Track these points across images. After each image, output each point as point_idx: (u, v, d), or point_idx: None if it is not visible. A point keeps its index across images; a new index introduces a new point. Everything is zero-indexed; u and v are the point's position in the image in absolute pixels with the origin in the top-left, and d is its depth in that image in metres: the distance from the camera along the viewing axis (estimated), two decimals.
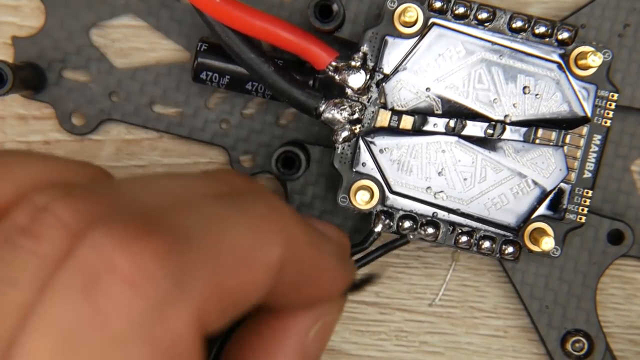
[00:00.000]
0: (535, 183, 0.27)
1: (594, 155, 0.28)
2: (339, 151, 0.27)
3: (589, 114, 0.27)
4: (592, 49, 0.27)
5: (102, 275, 0.16)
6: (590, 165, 0.28)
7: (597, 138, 0.28)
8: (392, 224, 0.28)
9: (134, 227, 0.17)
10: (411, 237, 0.28)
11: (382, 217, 0.28)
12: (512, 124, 0.27)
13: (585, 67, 0.27)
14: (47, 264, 0.17)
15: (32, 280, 0.17)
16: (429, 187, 0.27)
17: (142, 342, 0.16)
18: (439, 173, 0.27)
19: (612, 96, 0.27)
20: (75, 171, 0.20)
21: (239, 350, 0.22)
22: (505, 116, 0.27)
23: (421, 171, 0.27)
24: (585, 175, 0.28)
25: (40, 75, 0.29)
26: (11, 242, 0.17)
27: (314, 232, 0.22)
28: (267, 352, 0.22)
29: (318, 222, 0.25)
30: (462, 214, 0.28)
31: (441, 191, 0.28)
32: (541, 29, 0.27)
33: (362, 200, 0.27)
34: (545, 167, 0.27)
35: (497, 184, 0.27)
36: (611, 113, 0.27)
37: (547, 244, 0.27)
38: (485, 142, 0.27)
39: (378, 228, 0.28)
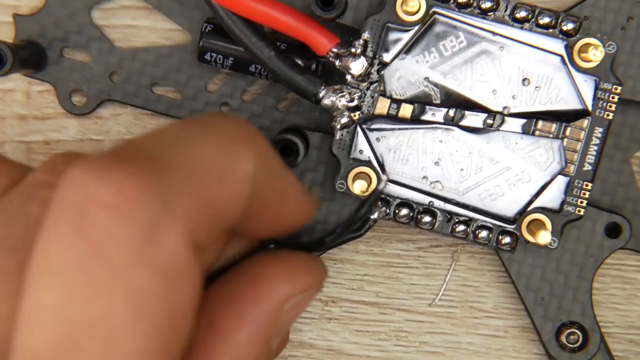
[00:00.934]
0: (531, 175, 0.27)
1: (595, 148, 0.27)
2: (337, 137, 0.27)
3: (589, 107, 0.27)
4: (596, 41, 0.27)
5: (88, 209, 0.16)
6: (590, 158, 0.27)
7: (598, 131, 0.27)
8: (388, 211, 0.28)
9: (109, 158, 0.17)
10: (375, 216, 0.27)
11: (379, 204, 0.28)
12: (511, 115, 0.27)
13: (588, 60, 0.27)
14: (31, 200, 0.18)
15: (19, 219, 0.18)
16: (425, 177, 0.27)
17: (140, 266, 0.16)
18: (436, 163, 0.27)
19: (616, 89, 0.27)
20: None
21: (212, 306, 0.22)
22: (504, 108, 0.27)
23: (417, 160, 0.27)
24: (585, 168, 0.27)
25: (40, 54, 0.29)
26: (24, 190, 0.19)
27: (278, 156, 0.22)
28: (239, 314, 0.21)
29: None
30: (458, 204, 0.28)
31: (437, 181, 0.27)
32: (545, 20, 0.27)
33: (359, 189, 0.27)
34: (543, 159, 0.27)
35: (493, 176, 0.27)
36: (614, 106, 0.27)
37: (544, 237, 0.27)
38: (483, 133, 0.27)
39: (374, 215, 0.28)
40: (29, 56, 0.28)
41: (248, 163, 0.19)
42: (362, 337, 0.31)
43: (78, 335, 0.16)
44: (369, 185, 0.27)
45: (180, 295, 0.17)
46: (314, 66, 0.28)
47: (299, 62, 0.28)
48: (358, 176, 0.27)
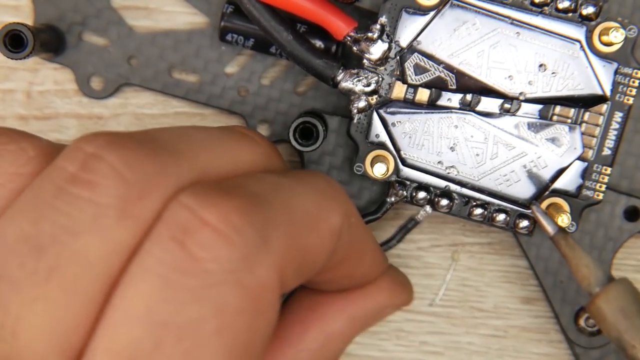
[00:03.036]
0: (548, 161, 0.27)
1: (615, 132, 0.27)
2: (355, 121, 0.27)
3: (608, 93, 0.27)
4: (617, 24, 0.26)
5: (195, 229, 0.18)
6: (610, 143, 0.27)
7: (618, 116, 0.27)
8: (405, 194, 0.28)
9: (218, 190, 0.19)
10: (420, 218, 0.28)
11: (397, 186, 0.28)
12: (527, 101, 0.27)
13: (609, 44, 0.26)
14: (106, 212, 0.18)
15: (92, 228, 0.18)
16: (440, 162, 0.27)
17: (233, 286, 0.18)
18: (451, 148, 0.27)
19: (636, 73, 0.27)
20: None
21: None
22: (520, 93, 0.27)
23: (433, 145, 0.27)
24: (604, 153, 0.27)
25: (59, 38, 0.29)
26: (66, 191, 0.18)
27: (362, 219, 0.24)
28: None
29: None
30: (474, 188, 0.27)
31: (452, 166, 0.27)
32: (565, 4, 0.26)
33: (379, 173, 0.27)
34: (560, 145, 0.27)
35: (509, 161, 0.27)
36: (634, 91, 0.27)
37: (564, 220, 0.27)
38: (499, 119, 0.27)
39: (392, 198, 0.28)
40: (48, 40, 0.29)
41: (337, 217, 0.21)
42: (362, 337, 0.30)
43: (162, 337, 0.17)
44: (388, 169, 0.27)
45: (262, 320, 0.19)
46: (334, 48, 0.28)
47: (320, 43, 0.28)
48: (376, 159, 0.27)
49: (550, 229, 0.26)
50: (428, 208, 0.28)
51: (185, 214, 0.18)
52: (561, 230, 0.26)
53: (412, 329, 0.31)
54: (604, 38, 0.26)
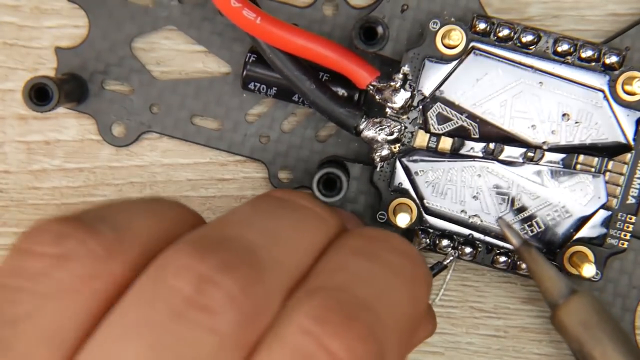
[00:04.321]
0: (571, 210, 0.27)
1: (639, 181, 0.27)
2: (378, 169, 0.27)
3: (631, 142, 0.27)
4: None
5: (320, 358, 0.18)
6: (634, 192, 0.27)
7: None
8: (428, 242, 0.28)
9: (336, 314, 0.19)
10: (448, 261, 0.28)
11: (420, 234, 0.28)
12: (550, 150, 0.27)
13: (632, 93, 0.26)
14: (226, 343, 0.18)
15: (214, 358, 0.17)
16: (463, 210, 0.27)
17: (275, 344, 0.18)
18: (474, 197, 0.27)
19: None
20: (184, 220, 0.21)
21: None
22: (544, 142, 0.27)
23: (456, 194, 0.27)
24: (628, 201, 0.27)
25: (82, 87, 0.29)
26: (184, 316, 0.17)
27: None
28: None
29: None
30: (498, 237, 0.27)
31: (476, 215, 0.27)
32: (588, 53, 0.26)
33: (403, 222, 0.27)
34: (583, 194, 0.27)
35: (533, 210, 0.27)
36: None
37: (589, 270, 0.27)
38: (522, 167, 0.27)
39: (415, 246, 0.28)
40: (72, 90, 0.29)
41: (424, 305, 0.22)
42: None
43: None
44: (411, 218, 0.27)
45: None
46: (356, 96, 0.28)
47: (342, 92, 0.28)
48: (399, 208, 0.27)
49: (515, 241, 0.26)
50: (453, 252, 0.28)
51: (309, 343, 0.18)
52: (525, 243, 0.26)
53: None
54: (627, 87, 0.26)
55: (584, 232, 0.27)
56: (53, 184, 0.31)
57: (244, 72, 0.28)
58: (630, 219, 0.27)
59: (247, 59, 0.28)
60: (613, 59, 0.26)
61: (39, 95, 0.27)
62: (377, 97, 0.27)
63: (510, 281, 0.30)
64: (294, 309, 0.19)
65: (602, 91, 0.27)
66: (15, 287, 0.18)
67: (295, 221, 0.21)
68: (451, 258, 0.28)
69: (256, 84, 0.28)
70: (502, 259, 0.28)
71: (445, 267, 0.28)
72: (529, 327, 0.30)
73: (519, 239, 0.26)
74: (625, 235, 0.27)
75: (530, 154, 0.27)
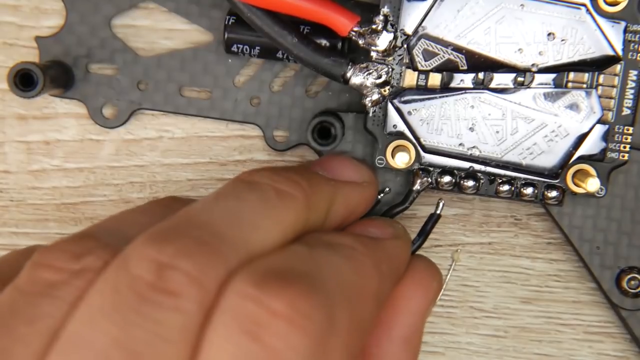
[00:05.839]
0: (568, 129, 0.27)
1: (632, 91, 0.27)
2: (371, 114, 0.27)
3: (620, 53, 0.27)
4: None
5: (266, 320, 0.18)
6: (628, 102, 0.27)
7: (633, 74, 0.27)
8: (430, 180, 0.28)
9: (274, 277, 0.19)
10: (440, 209, 0.28)
11: (421, 174, 0.28)
12: (540, 71, 0.27)
13: (614, 3, 0.26)
14: (192, 319, 0.18)
15: (183, 337, 0.18)
16: (461, 144, 0.27)
17: None
18: (470, 129, 0.27)
19: None
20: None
21: None
22: (532, 65, 0.27)
23: (452, 128, 0.27)
24: (624, 113, 0.27)
25: (67, 73, 0.29)
26: (150, 299, 0.18)
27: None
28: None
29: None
30: (498, 165, 0.27)
31: (474, 146, 0.27)
32: None
33: (402, 162, 0.27)
34: (578, 111, 0.27)
35: (530, 134, 0.27)
36: None
37: (593, 184, 0.27)
38: (514, 93, 0.27)
39: (417, 186, 0.28)
40: (57, 75, 0.29)
41: (374, 281, 0.23)
42: None
43: None
44: (410, 158, 0.27)
45: None
46: (340, 45, 0.28)
47: (325, 42, 0.28)
48: (397, 150, 0.27)
49: None
50: (442, 202, 0.28)
51: (250, 305, 0.18)
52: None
53: None
54: None
55: (584, 150, 0.27)
56: (53, 184, 0.31)
57: (225, 35, 0.28)
58: (628, 130, 0.27)
59: (226, 22, 0.28)
60: None
61: (23, 81, 0.27)
62: (360, 42, 0.27)
63: (510, 281, 0.30)
64: (236, 279, 0.19)
65: (584, 5, 0.26)
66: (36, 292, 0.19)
67: (258, 201, 0.22)
68: (441, 205, 0.28)
69: (239, 45, 0.28)
70: (505, 187, 0.28)
71: (440, 217, 0.28)
72: (529, 327, 0.31)
73: None
74: (624, 147, 0.27)
75: (520, 79, 0.27)
